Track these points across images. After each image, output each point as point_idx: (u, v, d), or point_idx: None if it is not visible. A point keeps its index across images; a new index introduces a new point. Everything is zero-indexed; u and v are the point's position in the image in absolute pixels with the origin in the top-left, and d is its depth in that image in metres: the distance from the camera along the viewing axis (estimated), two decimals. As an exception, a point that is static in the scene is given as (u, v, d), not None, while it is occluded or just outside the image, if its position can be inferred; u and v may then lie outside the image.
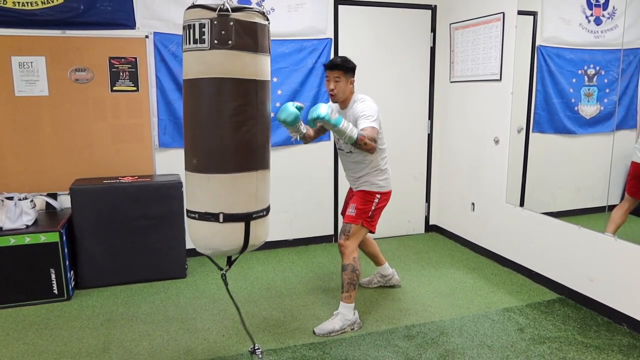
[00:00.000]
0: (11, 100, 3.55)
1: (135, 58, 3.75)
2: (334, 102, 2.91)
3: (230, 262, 2.32)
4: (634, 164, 3.06)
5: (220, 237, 2.08)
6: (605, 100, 3.25)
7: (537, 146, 3.64)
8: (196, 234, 2.13)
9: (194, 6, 1.97)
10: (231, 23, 1.92)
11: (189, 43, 1.98)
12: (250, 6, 1.99)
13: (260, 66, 2.04)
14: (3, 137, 3.58)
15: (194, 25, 1.94)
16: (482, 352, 2.63)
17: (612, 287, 2.95)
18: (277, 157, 4.07)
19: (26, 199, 3.30)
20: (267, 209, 2.20)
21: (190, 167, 2.10)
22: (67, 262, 3.28)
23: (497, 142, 3.86)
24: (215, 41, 1.92)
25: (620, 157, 3.08)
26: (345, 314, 2.86)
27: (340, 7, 4.20)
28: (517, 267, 3.74)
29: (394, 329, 2.89)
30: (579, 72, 3.36)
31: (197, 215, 2.08)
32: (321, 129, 3.07)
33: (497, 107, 3.85)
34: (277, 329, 2.91)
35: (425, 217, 4.84)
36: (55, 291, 3.25)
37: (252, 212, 2.10)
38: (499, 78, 3.80)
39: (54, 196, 3.70)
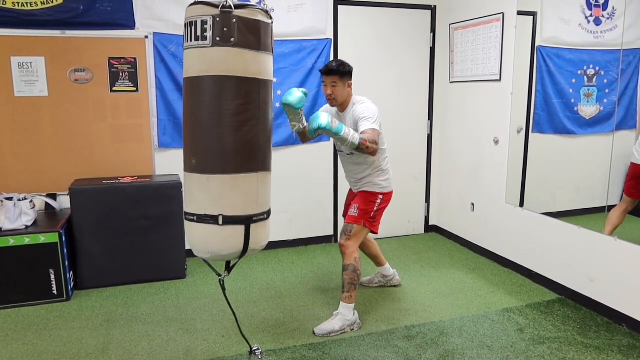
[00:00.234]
0: (11, 101, 3.55)
1: (135, 58, 3.75)
2: (333, 106, 2.90)
3: (229, 267, 2.30)
4: (633, 165, 3.06)
5: (219, 241, 2.02)
6: (605, 101, 3.25)
7: (537, 146, 3.64)
8: (194, 237, 2.07)
9: (196, 3, 1.93)
10: (234, 20, 1.89)
11: (191, 40, 1.94)
12: (253, 4, 1.97)
13: (263, 65, 2.00)
14: (2, 138, 3.57)
15: (195, 22, 1.91)
16: (481, 353, 2.63)
17: (612, 287, 2.95)
18: (277, 157, 4.05)
19: (25, 199, 3.30)
20: (268, 213, 2.16)
21: (189, 167, 2.05)
22: (67, 263, 3.28)
23: (496, 142, 3.86)
24: (218, 38, 1.89)
25: (620, 158, 3.08)
26: (345, 314, 2.86)
27: (340, 7, 4.20)
28: (517, 268, 3.74)
29: (394, 330, 2.88)
30: (579, 72, 3.36)
31: (195, 217, 2.02)
32: None
33: (496, 107, 3.85)
34: (276, 329, 2.91)
35: (425, 217, 4.84)
36: (55, 292, 3.24)
37: (253, 215, 2.05)
38: (498, 78, 3.80)
39: (53, 196, 3.69)
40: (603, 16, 3.18)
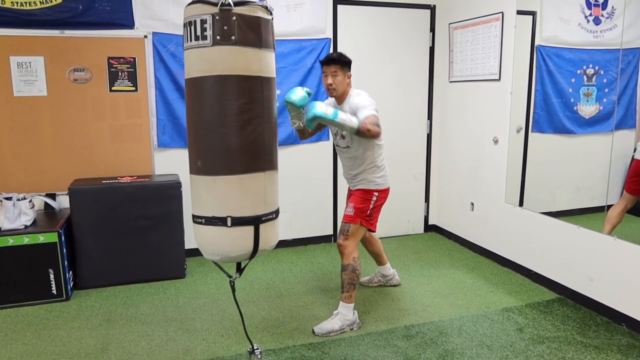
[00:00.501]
0: (10, 101, 3.54)
1: (134, 58, 3.74)
2: (332, 96, 2.90)
3: (240, 268, 2.29)
4: (636, 161, 3.04)
5: (228, 242, 2.00)
6: (605, 100, 3.25)
7: (536, 146, 3.64)
8: (203, 240, 2.05)
9: (194, 2, 1.91)
10: (234, 18, 1.86)
11: (191, 40, 1.92)
12: (253, 0, 1.94)
13: (265, 62, 1.98)
14: (2, 138, 3.57)
15: (195, 21, 1.89)
16: (481, 352, 2.63)
17: (611, 287, 2.95)
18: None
19: (25, 199, 3.29)
20: (277, 212, 2.13)
21: (195, 169, 2.02)
22: (66, 263, 3.28)
23: (496, 141, 3.86)
24: (218, 37, 1.86)
25: (620, 157, 3.08)
26: (344, 314, 2.86)
27: (339, 6, 4.20)
28: (517, 267, 3.74)
29: (393, 329, 2.88)
30: (578, 71, 3.36)
31: (203, 220, 2.00)
32: (319, 126, 3.06)
33: (496, 106, 3.84)
34: (276, 329, 2.90)
35: (425, 217, 4.84)
36: (54, 291, 3.24)
37: (261, 214, 2.02)
38: (498, 78, 3.79)
39: (52, 196, 3.69)
40: (602, 15, 3.18)
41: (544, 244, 3.46)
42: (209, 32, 1.87)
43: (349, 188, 3.14)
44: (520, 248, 3.70)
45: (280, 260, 4.07)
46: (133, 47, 3.73)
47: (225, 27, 1.87)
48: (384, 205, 3.01)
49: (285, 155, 4.22)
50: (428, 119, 4.65)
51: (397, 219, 4.67)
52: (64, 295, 3.27)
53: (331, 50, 4.20)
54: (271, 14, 2.01)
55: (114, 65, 3.72)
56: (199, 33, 1.89)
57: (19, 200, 3.24)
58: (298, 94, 2.59)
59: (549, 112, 3.53)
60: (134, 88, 3.78)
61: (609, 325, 2.90)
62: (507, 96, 3.71)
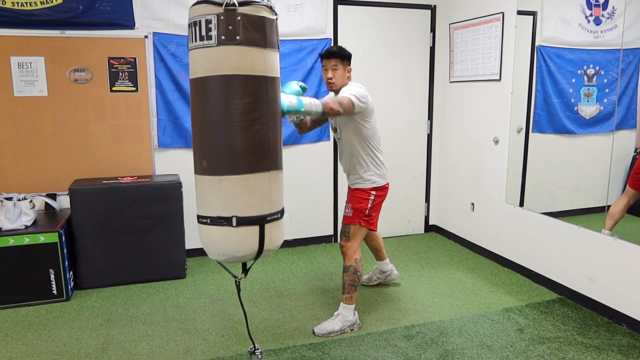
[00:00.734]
0: (10, 101, 3.55)
1: (135, 58, 3.75)
2: (331, 90, 2.89)
3: (245, 269, 2.29)
4: None
5: (234, 242, 2.00)
6: (605, 100, 3.25)
7: (537, 146, 3.64)
8: (208, 240, 2.05)
9: (199, 2, 1.91)
10: (238, 18, 1.86)
11: (195, 40, 1.92)
12: (257, 0, 1.95)
13: (269, 62, 1.98)
14: (2, 138, 3.57)
15: (199, 21, 1.89)
16: (481, 352, 2.63)
17: (611, 287, 2.95)
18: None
19: (25, 199, 3.29)
20: (282, 212, 2.13)
21: (199, 169, 2.03)
22: (66, 263, 3.28)
23: (496, 142, 3.86)
24: (223, 37, 1.87)
25: (620, 157, 3.08)
26: (345, 315, 2.86)
27: (339, 7, 4.20)
28: (517, 267, 3.74)
29: (394, 329, 2.88)
30: (579, 72, 3.36)
31: (208, 220, 2.00)
32: (317, 121, 3.05)
33: (496, 107, 3.84)
34: (276, 329, 2.90)
35: (425, 217, 4.84)
36: (55, 292, 3.24)
37: (267, 214, 2.02)
38: (498, 78, 3.79)
39: (53, 196, 3.69)
40: (603, 16, 3.18)
41: (544, 244, 3.46)
42: (213, 32, 1.88)
43: (348, 185, 3.14)
44: (520, 248, 3.70)
45: (281, 260, 4.07)
46: (133, 48, 3.73)
47: (230, 27, 1.87)
48: (384, 206, 3.01)
49: (286, 156, 4.22)
50: (428, 119, 4.65)
51: (397, 219, 4.67)
52: (65, 296, 3.27)
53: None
54: (275, 13, 2.02)
55: (115, 66, 3.72)
56: (203, 33, 1.89)
57: (19, 200, 3.24)
58: (292, 88, 2.57)
59: (550, 112, 3.53)
60: (134, 88, 3.79)
61: (609, 326, 2.90)
62: (508, 96, 3.71)
